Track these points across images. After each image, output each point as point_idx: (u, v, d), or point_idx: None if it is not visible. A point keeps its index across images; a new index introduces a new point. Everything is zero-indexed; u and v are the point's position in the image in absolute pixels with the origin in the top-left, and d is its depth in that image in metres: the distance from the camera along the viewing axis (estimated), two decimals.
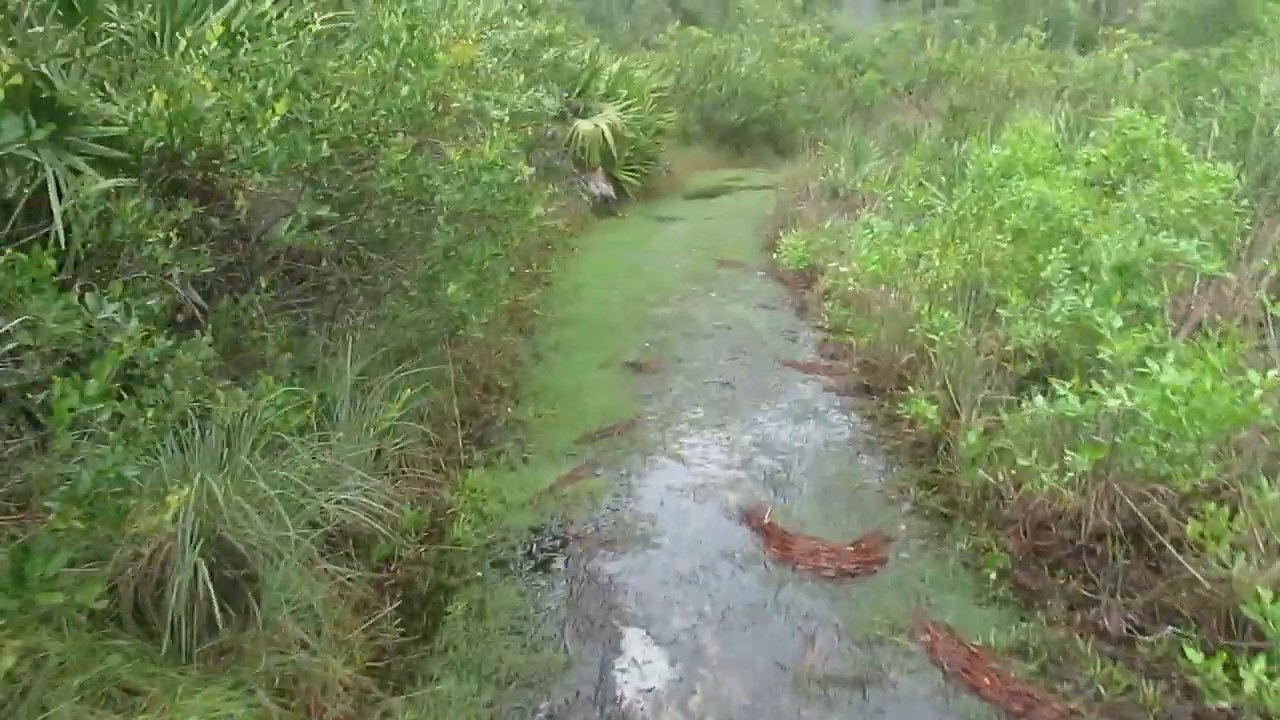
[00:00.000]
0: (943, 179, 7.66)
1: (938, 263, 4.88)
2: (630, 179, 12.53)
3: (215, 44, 3.12)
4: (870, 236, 5.19)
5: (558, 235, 9.82)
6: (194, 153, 3.10)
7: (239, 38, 3.31)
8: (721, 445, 4.76)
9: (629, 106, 12.59)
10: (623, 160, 12.53)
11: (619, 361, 6.04)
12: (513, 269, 6.81)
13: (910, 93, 14.56)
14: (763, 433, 4.90)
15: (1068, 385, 3.26)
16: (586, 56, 12.42)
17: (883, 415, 5.12)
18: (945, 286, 4.86)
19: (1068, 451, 3.22)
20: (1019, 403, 3.93)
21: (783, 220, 9.95)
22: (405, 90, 3.73)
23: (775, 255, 9.19)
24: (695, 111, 16.71)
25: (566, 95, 11.65)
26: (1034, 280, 4.49)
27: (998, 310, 4.44)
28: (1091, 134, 7.89)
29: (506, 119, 4.30)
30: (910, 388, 4.85)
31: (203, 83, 3.00)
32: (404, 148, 3.86)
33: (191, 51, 3.14)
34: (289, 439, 3.04)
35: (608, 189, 11.61)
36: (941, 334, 4.40)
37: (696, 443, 4.78)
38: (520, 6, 7.70)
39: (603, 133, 11.41)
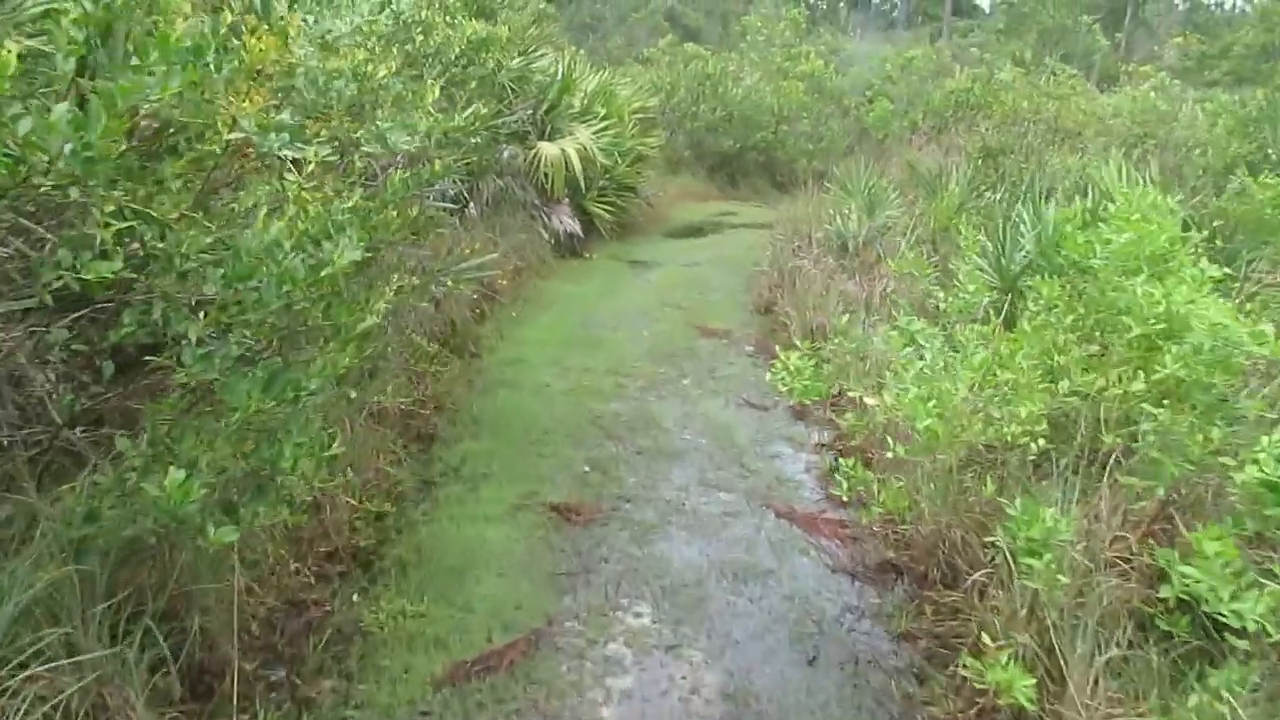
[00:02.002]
0: (988, 247, 5.92)
1: (1023, 408, 3.10)
2: (603, 212, 10.76)
3: None
4: (915, 360, 3.42)
5: (508, 282, 8.03)
6: None
7: None
8: (675, 694, 2.96)
9: (606, 128, 10.84)
10: (595, 190, 10.77)
11: (540, 501, 4.23)
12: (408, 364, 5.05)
13: (930, 127, 12.87)
14: (741, 669, 3.10)
15: None
16: (560, 68, 10.66)
17: (927, 631, 3.34)
18: (1036, 445, 3.09)
19: None
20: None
21: (779, 277, 8.19)
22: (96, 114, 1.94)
23: (771, 325, 7.47)
24: (685, 135, 14.98)
25: (530, 113, 9.90)
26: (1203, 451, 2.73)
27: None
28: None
29: (319, 161, 2.49)
30: (975, 612, 3.08)
31: None
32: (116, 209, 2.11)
33: None
34: None
35: (572, 225, 9.83)
36: (1041, 559, 2.61)
37: (634, 688, 2.98)
38: (453, 1, 5.94)
39: (568, 159, 9.64)
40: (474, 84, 6.11)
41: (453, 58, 5.78)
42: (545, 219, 9.70)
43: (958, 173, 8.83)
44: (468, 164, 8.41)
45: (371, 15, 3.53)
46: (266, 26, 2.58)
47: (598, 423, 5.23)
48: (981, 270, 5.45)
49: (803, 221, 9.64)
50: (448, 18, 5.73)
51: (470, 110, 5.26)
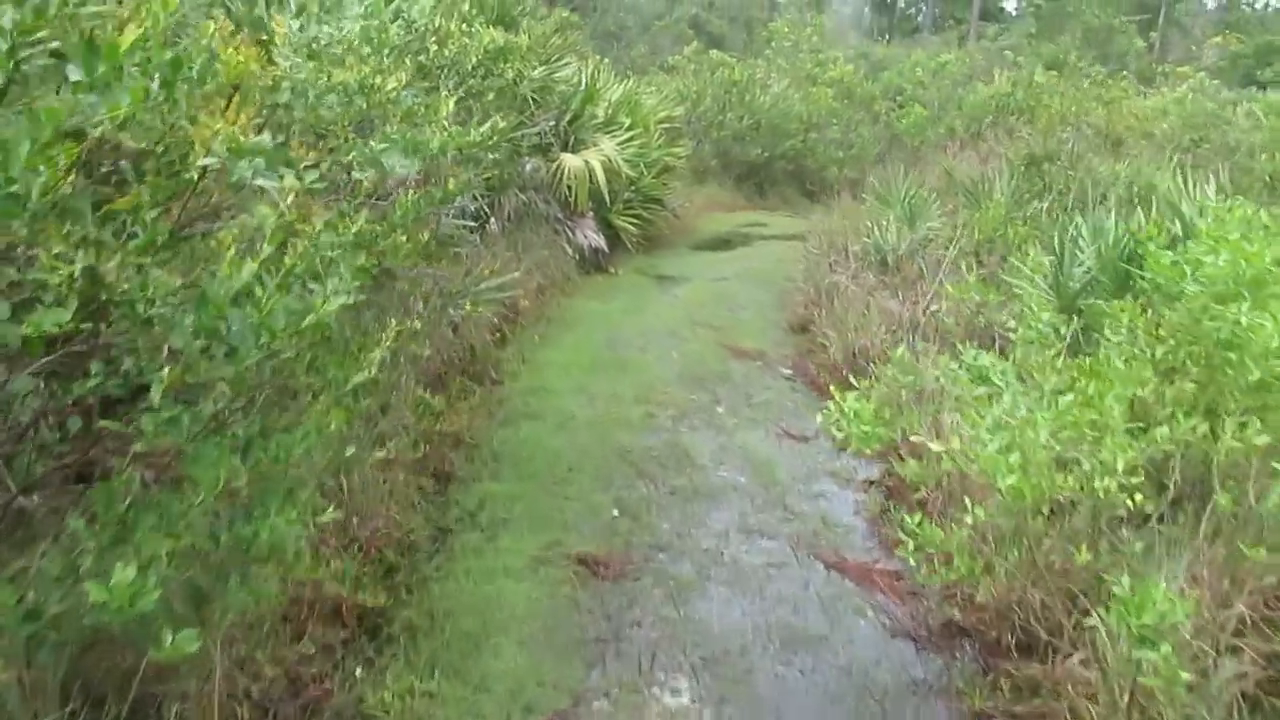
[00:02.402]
0: (1044, 264, 5.50)
1: (1118, 457, 2.68)
2: (628, 225, 10.39)
3: None
4: (988, 401, 3.00)
5: (530, 301, 7.69)
6: None
7: None
8: None
9: (632, 138, 10.48)
10: (620, 203, 10.41)
11: (564, 553, 3.85)
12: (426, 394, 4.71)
13: (966, 133, 12.38)
14: None
15: None
16: (584, 78, 10.33)
17: (1004, 712, 2.92)
18: (1133, 501, 2.68)
19: None
20: None
21: (814, 293, 7.78)
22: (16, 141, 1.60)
23: (808, 346, 7.06)
24: (712, 144, 14.60)
25: (553, 124, 9.57)
26: None
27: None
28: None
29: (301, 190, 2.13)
30: (1061, 692, 2.67)
31: None
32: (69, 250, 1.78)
33: None
34: None
35: (597, 239, 9.47)
36: (1158, 649, 2.20)
37: None
38: (470, 8, 5.60)
39: (592, 171, 9.30)
40: (492, 95, 5.77)
41: (470, 68, 5.44)
42: (569, 233, 9.35)
43: (1000, 181, 8.39)
44: (488, 179, 8.09)
45: (372, 19, 3.15)
46: (246, 34, 2.24)
47: (627, 458, 4.85)
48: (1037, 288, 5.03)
49: (837, 233, 9.23)
50: (464, 25, 5.40)
51: (488, 124, 4.92)
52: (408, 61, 4.92)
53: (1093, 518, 2.95)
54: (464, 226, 7.50)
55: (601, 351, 6.78)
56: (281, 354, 2.08)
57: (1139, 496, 2.71)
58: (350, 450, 2.83)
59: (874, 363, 5.97)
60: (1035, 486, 2.61)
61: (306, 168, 2.22)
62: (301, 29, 2.81)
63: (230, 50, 2.13)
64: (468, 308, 6.04)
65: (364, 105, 3.02)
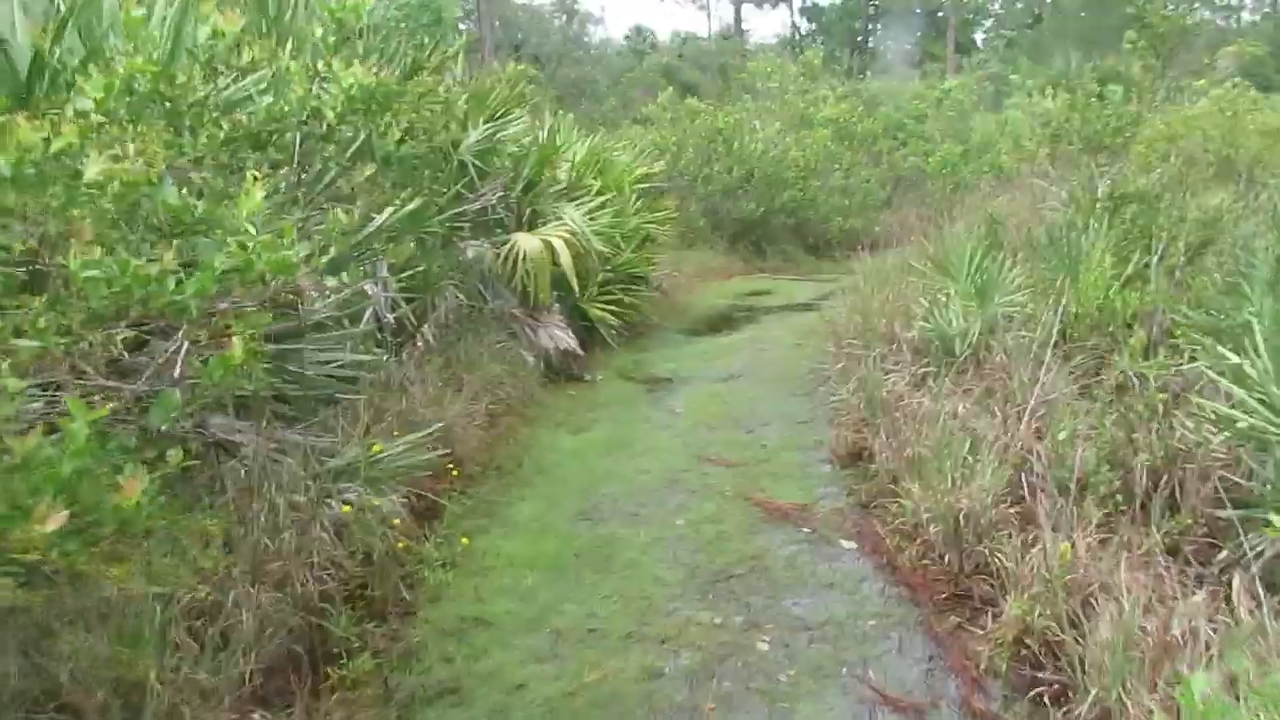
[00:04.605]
0: (1244, 369, 3.44)
1: None
2: (605, 314, 8.30)
3: None
4: None
5: (475, 442, 5.57)
6: None
7: None
8: None
9: (603, 205, 8.44)
10: (594, 285, 8.34)
11: None
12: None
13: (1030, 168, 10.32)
14: None
15: None
16: (543, 134, 8.31)
17: None
18: None
19: None
20: None
21: (863, 404, 5.65)
22: None
23: (868, 490, 4.92)
24: (698, 202, 12.62)
25: (502, 195, 7.53)
26: None
27: None
28: None
29: None
30: None
31: None
32: None
33: None
34: None
35: (567, 339, 7.36)
36: None
37: None
38: (328, 37, 3.54)
39: (554, 252, 7.23)
40: (372, 167, 3.68)
41: (325, 126, 3.37)
42: (530, 335, 7.25)
43: (1084, 230, 6.30)
44: (407, 279, 6.02)
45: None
46: None
47: None
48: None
49: (871, 310, 7.13)
50: (310, 65, 3.34)
51: (335, 218, 2.82)
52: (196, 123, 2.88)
53: None
54: (377, 348, 5.41)
55: (574, 529, 4.61)
56: None
57: None
58: None
59: (990, 538, 3.85)
60: None
61: None
62: None
63: None
64: (356, 503, 3.91)
65: None
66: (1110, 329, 5.66)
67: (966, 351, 5.79)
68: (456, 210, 6.89)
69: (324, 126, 3.41)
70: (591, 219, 8.00)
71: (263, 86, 3.38)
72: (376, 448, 4.19)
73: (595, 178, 8.90)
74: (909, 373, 5.82)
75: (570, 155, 8.83)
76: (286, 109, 3.22)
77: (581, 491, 5.06)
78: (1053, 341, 5.45)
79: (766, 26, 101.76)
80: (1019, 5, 42.12)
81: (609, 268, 8.51)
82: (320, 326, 4.08)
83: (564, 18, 37.44)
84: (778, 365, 7.74)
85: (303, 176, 3.60)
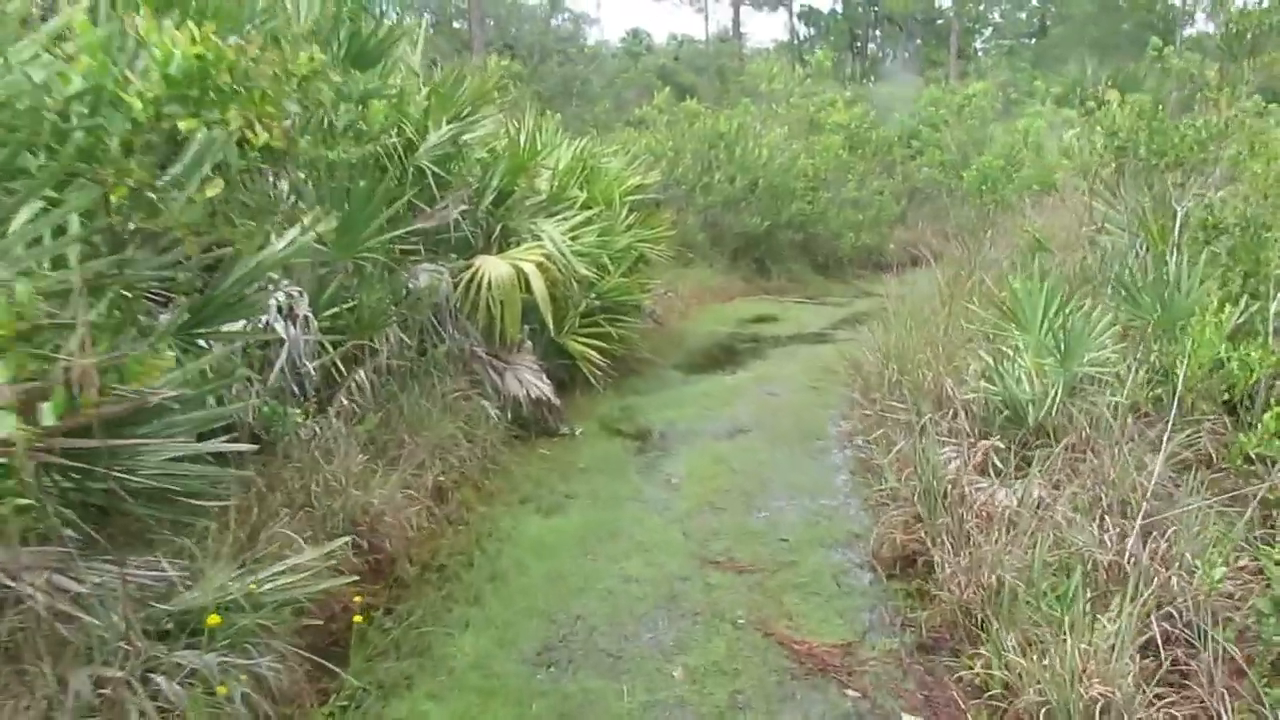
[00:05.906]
0: None
1: None
2: (589, 349, 7.04)
3: None
4: None
5: (415, 531, 4.31)
6: None
7: None
8: None
9: (588, 221, 7.18)
10: (576, 315, 7.08)
11: None
12: None
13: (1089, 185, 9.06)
14: None
15: None
16: (520, 139, 7.03)
17: None
18: None
19: None
20: None
21: (915, 495, 4.40)
22: None
23: (928, 620, 3.65)
24: (697, 214, 11.37)
25: (466, 208, 6.26)
26: None
27: None
28: None
29: None
30: None
31: None
32: None
33: None
34: None
35: (540, 385, 6.09)
36: None
37: None
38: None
39: (525, 278, 5.97)
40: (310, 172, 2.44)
41: (134, 121, 2.12)
42: (495, 380, 5.98)
43: (1162, 263, 5.05)
44: (333, 318, 4.76)
45: None
46: None
47: None
48: None
49: (909, 356, 5.89)
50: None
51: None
52: None
53: None
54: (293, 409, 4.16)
55: (531, 685, 3.32)
56: None
57: None
58: None
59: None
60: None
61: None
62: None
63: None
64: (204, 671, 2.66)
65: None
66: (1227, 397, 4.47)
67: (1039, 419, 4.57)
68: (408, 229, 5.65)
69: (128, 123, 2.15)
70: (574, 237, 6.74)
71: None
72: (252, 586, 2.93)
73: (581, 188, 7.65)
74: (967, 446, 4.60)
75: (553, 162, 7.58)
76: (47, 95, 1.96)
77: (546, 615, 3.79)
78: (1128, 403, 4.31)
79: (764, 30, 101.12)
80: (1021, 15, 41.19)
81: (594, 294, 7.26)
82: (163, 410, 2.81)
83: (558, 17, 36.20)
84: (792, 415, 6.49)
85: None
